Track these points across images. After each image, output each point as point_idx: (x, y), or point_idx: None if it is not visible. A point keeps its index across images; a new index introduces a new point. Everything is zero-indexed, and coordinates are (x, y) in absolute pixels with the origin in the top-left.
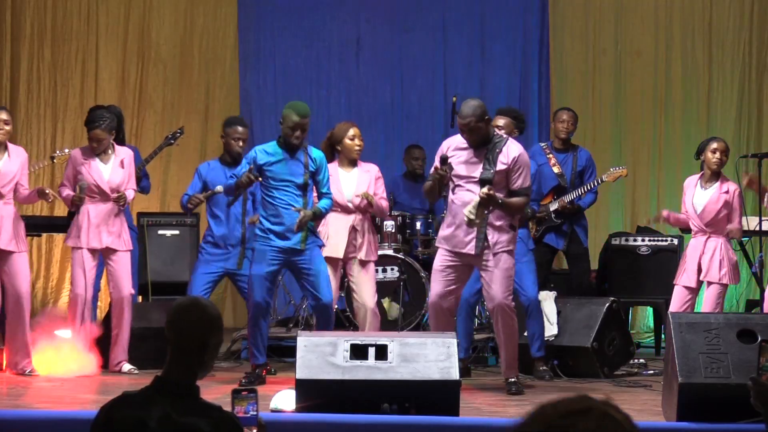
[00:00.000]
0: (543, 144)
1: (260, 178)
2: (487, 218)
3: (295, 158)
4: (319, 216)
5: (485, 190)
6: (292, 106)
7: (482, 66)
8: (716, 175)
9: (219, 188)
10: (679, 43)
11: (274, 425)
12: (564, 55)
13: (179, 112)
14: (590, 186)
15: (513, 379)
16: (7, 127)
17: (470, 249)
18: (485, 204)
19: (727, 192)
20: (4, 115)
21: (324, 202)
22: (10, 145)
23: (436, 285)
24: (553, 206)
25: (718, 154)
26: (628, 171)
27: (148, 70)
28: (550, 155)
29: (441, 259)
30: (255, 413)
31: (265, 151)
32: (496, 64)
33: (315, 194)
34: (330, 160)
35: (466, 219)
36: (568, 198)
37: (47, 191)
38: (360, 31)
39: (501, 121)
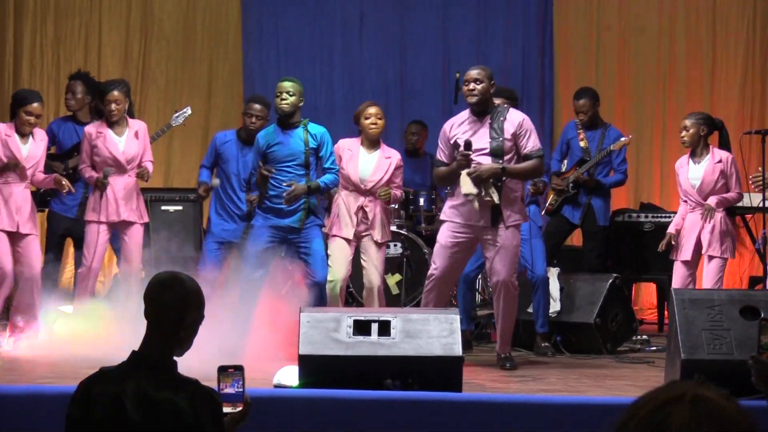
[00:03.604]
0: (577, 120)
1: (273, 171)
2: (500, 188)
3: (294, 137)
4: (316, 190)
5: (469, 170)
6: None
7: (485, 42)
8: (706, 149)
9: (216, 182)
10: (683, 20)
11: (277, 401)
12: (567, 31)
13: (182, 89)
14: (602, 156)
15: (506, 355)
16: (38, 121)
17: (485, 222)
18: (485, 177)
19: (720, 161)
20: (35, 107)
21: (327, 177)
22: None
23: (441, 261)
24: (572, 177)
25: (682, 133)
26: (631, 140)
27: (151, 46)
28: (581, 131)
29: (448, 234)
30: (241, 390)
31: (266, 135)
32: (498, 40)
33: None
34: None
35: (465, 198)
36: (582, 169)
37: (63, 182)
38: (363, 8)
39: (496, 102)
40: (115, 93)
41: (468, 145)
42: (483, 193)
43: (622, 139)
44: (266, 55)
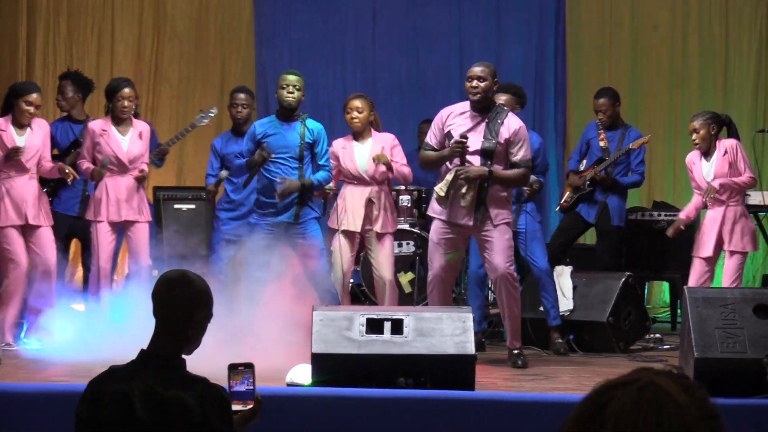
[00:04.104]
0: (598, 120)
1: (273, 155)
2: (486, 189)
3: (291, 130)
4: (309, 187)
5: (461, 168)
6: None
7: (498, 40)
8: (714, 145)
9: (223, 173)
10: (696, 17)
11: (289, 399)
12: (580, 28)
13: (195, 87)
14: (620, 154)
15: (517, 351)
16: (37, 112)
17: (468, 221)
18: (470, 180)
19: (726, 152)
20: (34, 98)
21: (320, 174)
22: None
23: (436, 260)
24: (589, 175)
25: (693, 136)
26: (650, 139)
27: (163, 45)
28: (601, 131)
29: (438, 232)
30: (251, 387)
31: (263, 124)
32: (511, 38)
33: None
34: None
35: (435, 195)
36: (600, 167)
37: (67, 170)
38: (376, 6)
39: (502, 98)
40: (127, 90)
41: (463, 138)
42: (462, 192)
43: (641, 138)
44: (279, 53)
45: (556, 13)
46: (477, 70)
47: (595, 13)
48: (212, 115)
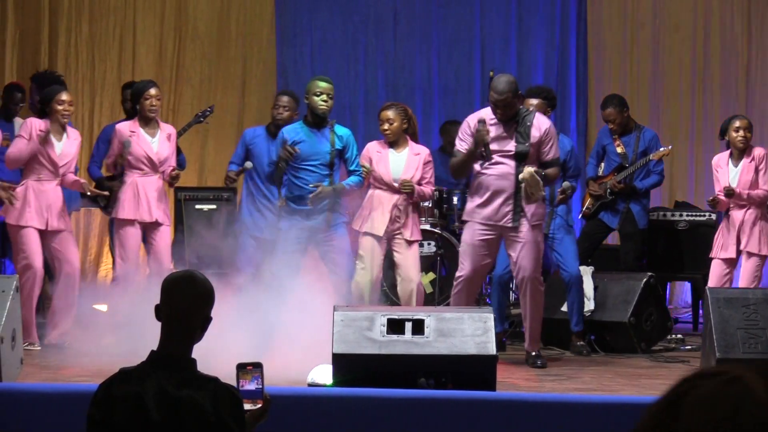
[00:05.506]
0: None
1: (297, 149)
2: (519, 193)
3: (320, 137)
4: (341, 192)
5: (530, 170)
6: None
7: (519, 41)
8: (744, 152)
9: (248, 164)
10: (718, 17)
11: (310, 399)
12: (602, 29)
13: (216, 87)
14: (640, 165)
15: (536, 353)
16: (71, 108)
17: (507, 221)
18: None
19: (753, 159)
20: (65, 96)
21: (352, 179)
22: (69, 127)
23: (470, 261)
24: (609, 183)
25: (741, 132)
26: (670, 150)
27: (185, 45)
28: (615, 137)
29: (474, 233)
30: (260, 387)
31: (292, 130)
32: (533, 38)
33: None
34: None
35: (527, 195)
36: (620, 176)
37: (89, 192)
38: (397, 6)
39: (533, 102)
40: (153, 91)
41: (483, 121)
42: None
43: (661, 149)
44: (300, 54)
45: (577, 13)
46: (500, 98)
47: (616, 13)
48: (209, 113)
